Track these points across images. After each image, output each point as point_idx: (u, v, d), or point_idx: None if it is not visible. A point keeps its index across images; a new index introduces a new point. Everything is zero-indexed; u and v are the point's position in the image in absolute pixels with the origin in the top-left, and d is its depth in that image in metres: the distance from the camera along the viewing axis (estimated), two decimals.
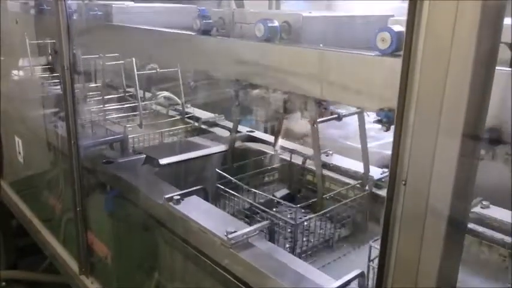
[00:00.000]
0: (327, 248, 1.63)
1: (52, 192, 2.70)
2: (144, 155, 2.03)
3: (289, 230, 1.59)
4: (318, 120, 1.49)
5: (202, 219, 1.46)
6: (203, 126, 2.47)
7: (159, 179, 1.83)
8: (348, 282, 1.15)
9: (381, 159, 1.83)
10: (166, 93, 2.55)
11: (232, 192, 1.67)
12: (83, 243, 2.21)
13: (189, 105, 2.55)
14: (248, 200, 1.65)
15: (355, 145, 1.77)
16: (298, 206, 1.52)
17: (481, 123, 0.76)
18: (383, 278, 0.86)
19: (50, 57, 2.92)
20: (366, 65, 1.13)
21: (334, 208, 1.61)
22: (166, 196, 1.59)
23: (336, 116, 1.54)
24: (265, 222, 1.43)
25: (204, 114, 2.56)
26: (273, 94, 1.58)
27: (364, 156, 1.71)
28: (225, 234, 1.33)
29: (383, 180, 1.71)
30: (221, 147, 2.10)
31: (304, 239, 1.60)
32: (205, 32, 1.68)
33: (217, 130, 2.45)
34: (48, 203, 2.74)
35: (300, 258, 1.46)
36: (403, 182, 0.78)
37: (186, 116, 2.51)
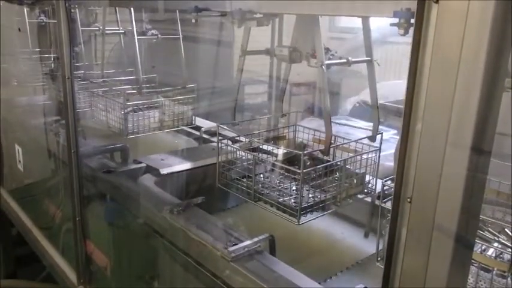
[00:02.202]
0: (334, 204, 1.46)
1: (52, 201, 2.68)
2: (145, 164, 2.01)
3: (294, 188, 1.47)
4: (326, 62, 1.41)
5: (202, 231, 1.44)
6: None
7: (159, 189, 1.81)
8: None
9: (383, 170, 1.80)
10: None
11: (235, 146, 1.52)
12: (81, 253, 2.19)
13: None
14: (251, 154, 1.49)
15: None
16: (305, 152, 1.39)
17: (490, 136, 0.74)
18: None
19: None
20: None
21: (341, 161, 1.45)
22: (167, 207, 1.57)
23: (345, 60, 1.44)
24: (265, 235, 1.40)
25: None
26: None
27: (374, 108, 1.57)
28: (225, 247, 1.31)
29: (386, 192, 1.67)
30: None
31: (310, 194, 1.42)
32: None
33: None
34: (47, 212, 2.72)
35: (306, 212, 1.36)
36: (409, 200, 0.76)
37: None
